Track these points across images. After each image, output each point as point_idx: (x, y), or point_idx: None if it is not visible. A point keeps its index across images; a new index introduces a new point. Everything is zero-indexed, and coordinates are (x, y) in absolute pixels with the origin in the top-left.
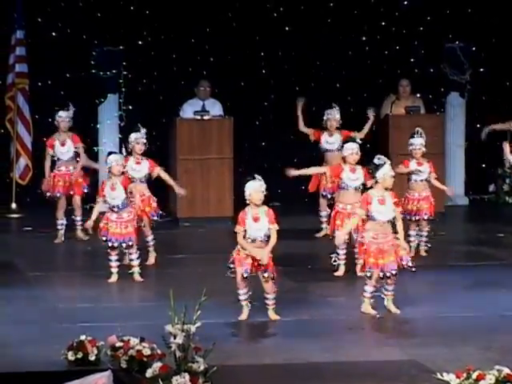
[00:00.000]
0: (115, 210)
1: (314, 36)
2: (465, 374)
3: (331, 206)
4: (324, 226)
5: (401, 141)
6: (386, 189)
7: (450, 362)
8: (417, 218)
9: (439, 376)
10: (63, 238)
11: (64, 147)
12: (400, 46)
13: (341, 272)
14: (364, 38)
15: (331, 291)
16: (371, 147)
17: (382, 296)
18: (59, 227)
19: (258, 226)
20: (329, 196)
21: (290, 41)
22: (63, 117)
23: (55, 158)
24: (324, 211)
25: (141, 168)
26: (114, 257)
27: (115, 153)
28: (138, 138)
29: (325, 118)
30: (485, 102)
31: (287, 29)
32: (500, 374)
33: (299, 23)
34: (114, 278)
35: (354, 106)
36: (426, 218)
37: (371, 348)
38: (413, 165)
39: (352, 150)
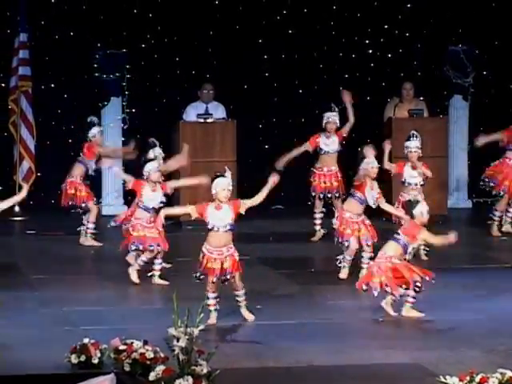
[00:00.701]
0: (150, 212)
1: (317, 39)
2: (468, 377)
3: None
4: (318, 228)
5: (404, 143)
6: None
7: (453, 365)
8: None
9: (442, 379)
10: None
11: None
12: (403, 48)
13: (344, 275)
14: (367, 41)
15: (334, 294)
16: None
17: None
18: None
19: (220, 214)
20: (321, 196)
21: (293, 43)
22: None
23: None
24: (319, 213)
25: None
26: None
27: (151, 160)
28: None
29: (324, 120)
30: (488, 105)
31: (290, 31)
32: (503, 377)
33: (302, 26)
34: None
35: (357, 108)
36: None
37: (374, 351)
38: (407, 169)
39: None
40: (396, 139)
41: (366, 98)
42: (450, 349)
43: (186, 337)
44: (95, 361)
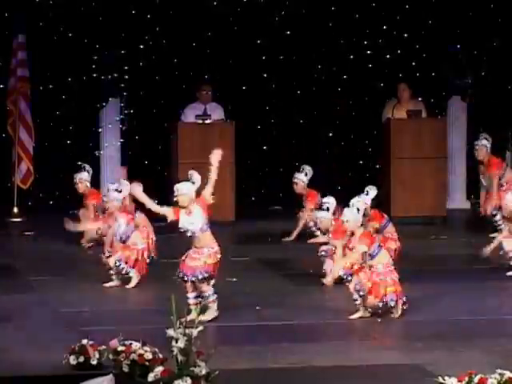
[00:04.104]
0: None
1: (315, 40)
2: (467, 378)
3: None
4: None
5: (402, 144)
6: None
7: (451, 366)
8: None
9: (441, 380)
10: None
11: None
12: (401, 49)
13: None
14: (365, 42)
15: (332, 295)
16: (373, 151)
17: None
18: None
19: (191, 219)
20: None
21: (291, 44)
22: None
23: None
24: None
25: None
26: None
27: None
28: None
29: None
30: (487, 106)
31: (288, 32)
32: (502, 377)
33: (300, 27)
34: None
35: (355, 109)
36: None
37: (373, 352)
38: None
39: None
40: (394, 140)
41: (364, 98)
42: (448, 349)
43: (185, 338)
44: (94, 362)
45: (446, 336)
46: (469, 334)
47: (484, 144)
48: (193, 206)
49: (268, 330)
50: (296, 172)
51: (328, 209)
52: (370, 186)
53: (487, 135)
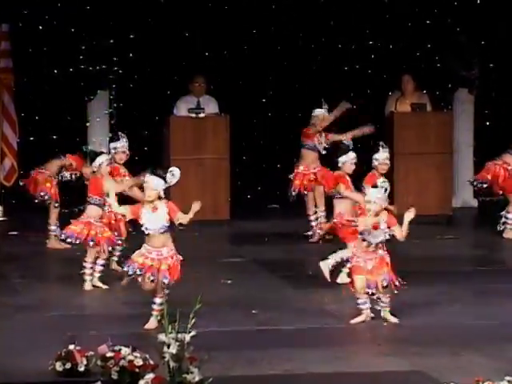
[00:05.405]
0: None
1: (314, 29)
2: None
3: None
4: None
5: (406, 139)
6: None
7: (457, 373)
8: None
9: None
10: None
11: None
12: (405, 39)
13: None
14: (367, 31)
15: (332, 299)
16: (375, 146)
17: (379, 308)
18: None
19: (154, 216)
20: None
21: (289, 34)
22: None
23: None
24: (313, 215)
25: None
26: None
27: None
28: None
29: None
30: (494, 99)
31: (286, 20)
32: None
33: (299, 16)
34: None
35: (356, 102)
36: None
37: (373, 358)
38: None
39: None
40: (398, 135)
41: (366, 91)
42: (453, 355)
43: (177, 343)
44: (81, 368)
45: (452, 340)
46: (475, 338)
47: None
48: (160, 204)
49: (265, 335)
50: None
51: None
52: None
53: None
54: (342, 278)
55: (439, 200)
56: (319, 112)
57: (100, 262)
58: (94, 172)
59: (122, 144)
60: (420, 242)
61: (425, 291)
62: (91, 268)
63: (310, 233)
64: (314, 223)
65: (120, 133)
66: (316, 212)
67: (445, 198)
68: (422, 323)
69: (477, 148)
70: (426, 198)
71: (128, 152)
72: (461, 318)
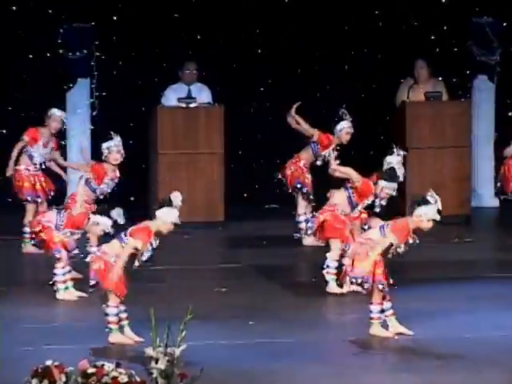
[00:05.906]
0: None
1: (317, 9)
2: None
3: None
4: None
5: (420, 132)
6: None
7: None
8: None
9: None
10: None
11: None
12: (419, 21)
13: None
14: (376, 12)
15: (338, 308)
16: (385, 139)
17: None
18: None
19: None
20: (304, 190)
21: (290, 17)
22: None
23: None
24: (303, 215)
25: None
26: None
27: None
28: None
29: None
30: None
31: (287, 2)
32: None
33: None
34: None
35: (365, 91)
36: None
37: (383, 374)
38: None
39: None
40: (410, 127)
41: (376, 78)
42: (471, 370)
43: (166, 358)
44: None
45: (468, 355)
46: (495, 352)
47: None
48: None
49: (263, 349)
50: None
51: None
52: None
53: None
54: (331, 288)
55: (456, 199)
56: (345, 125)
57: (67, 268)
58: None
59: (116, 143)
60: (436, 245)
61: (442, 298)
62: (63, 275)
63: (297, 235)
64: (302, 224)
65: (112, 132)
66: (305, 213)
67: (462, 197)
68: (437, 335)
69: (498, 141)
70: (442, 197)
71: (123, 151)
72: (481, 329)
